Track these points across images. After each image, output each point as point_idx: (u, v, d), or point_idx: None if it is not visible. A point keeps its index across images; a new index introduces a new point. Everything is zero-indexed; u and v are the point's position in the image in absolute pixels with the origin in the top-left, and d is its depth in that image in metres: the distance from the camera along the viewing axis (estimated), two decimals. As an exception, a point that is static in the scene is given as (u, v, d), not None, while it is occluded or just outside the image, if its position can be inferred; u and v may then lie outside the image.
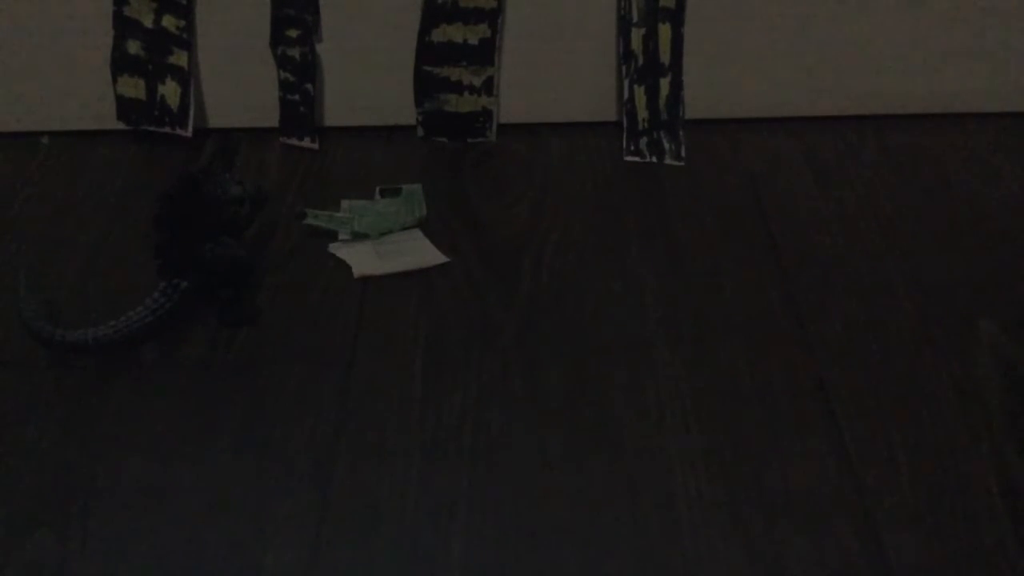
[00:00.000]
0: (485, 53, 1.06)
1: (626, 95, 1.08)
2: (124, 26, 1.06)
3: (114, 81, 1.07)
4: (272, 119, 1.09)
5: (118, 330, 0.82)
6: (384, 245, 0.95)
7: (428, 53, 1.06)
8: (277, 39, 1.06)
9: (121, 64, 1.07)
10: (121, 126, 1.09)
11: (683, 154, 1.06)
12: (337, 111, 1.10)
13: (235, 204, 0.88)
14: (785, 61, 1.09)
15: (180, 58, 1.06)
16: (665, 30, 1.06)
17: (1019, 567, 0.67)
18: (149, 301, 0.84)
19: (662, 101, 1.07)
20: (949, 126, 1.10)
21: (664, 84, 1.07)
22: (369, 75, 1.08)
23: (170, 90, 1.07)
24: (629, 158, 1.07)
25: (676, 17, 1.06)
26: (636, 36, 1.06)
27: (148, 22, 1.05)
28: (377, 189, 1.01)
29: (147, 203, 0.86)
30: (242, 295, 0.88)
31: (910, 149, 1.07)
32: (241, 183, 0.89)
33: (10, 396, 0.81)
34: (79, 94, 1.09)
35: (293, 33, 1.05)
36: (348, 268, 0.92)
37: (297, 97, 1.07)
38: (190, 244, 0.85)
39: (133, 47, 1.06)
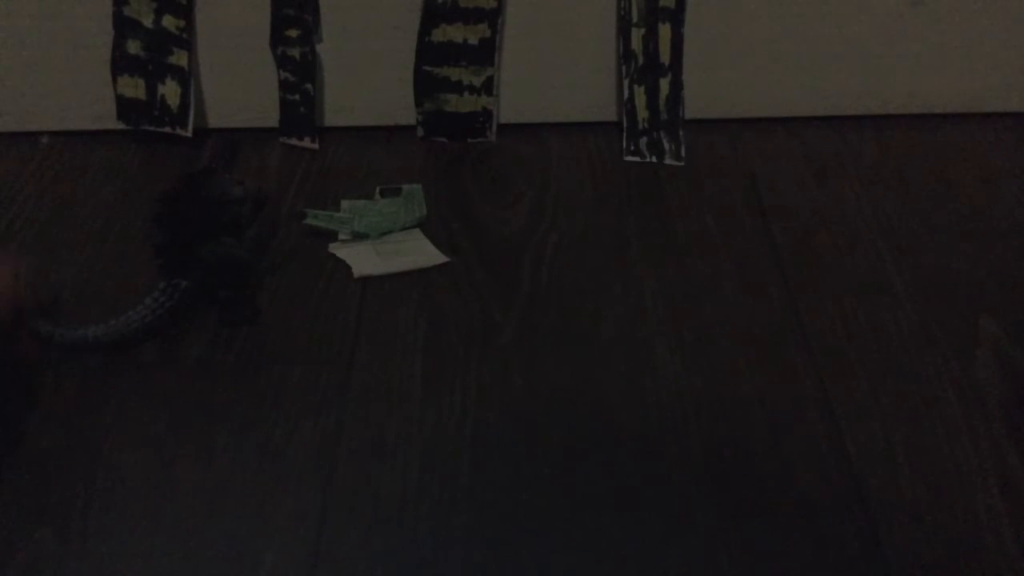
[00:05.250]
0: (485, 53, 1.06)
1: (626, 95, 1.08)
2: (124, 26, 1.06)
3: (114, 81, 1.07)
4: (272, 119, 1.09)
5: (118, 330, 0.82)
6: (384, 245, 0.95)
7: (428, 53, 1.06)
8: (277, 39, 1.06)
9: (121, 64, 1.07)
10: (121, 126, 1.09)
11: (683, 154, 1.06)
12: (337, 111, 1.10)
13: (235, 204, 0.88)
14: (785, 61, 1.09)
15: (180, 58, 1.06)
16: (665, 30, 1.06)
17: (1019, 567, 0.67)
18: (149, 301, 0.84)
19: (662, 101, 1.07)
20: (949, 126, 1.10)
21: (664, 84, 1.07)
22: (369, 75, 1.08)
23: (170, 90, 1.07)
24: (629, 158, 1.07)
25: (676, 17, 1.06)
26: (636, 36, 1.06)
27: (148, 22, 1.05)
28: (377, 189, 1.01)
29: (147, 203, 0.86)
30: (242, 295, 0.88)
31: (910, 149, 1.07)
32: (241, 183, 0.89)
33: (10, 396, 0.81)
34: (79, 94, 1.09)
35: (293, 33, 1.05)
36: (348, 268, 0.92)
37: (297, 97, 1.07)
38: (190, 244, 0.85)
39: (133, 47, 1.06)
